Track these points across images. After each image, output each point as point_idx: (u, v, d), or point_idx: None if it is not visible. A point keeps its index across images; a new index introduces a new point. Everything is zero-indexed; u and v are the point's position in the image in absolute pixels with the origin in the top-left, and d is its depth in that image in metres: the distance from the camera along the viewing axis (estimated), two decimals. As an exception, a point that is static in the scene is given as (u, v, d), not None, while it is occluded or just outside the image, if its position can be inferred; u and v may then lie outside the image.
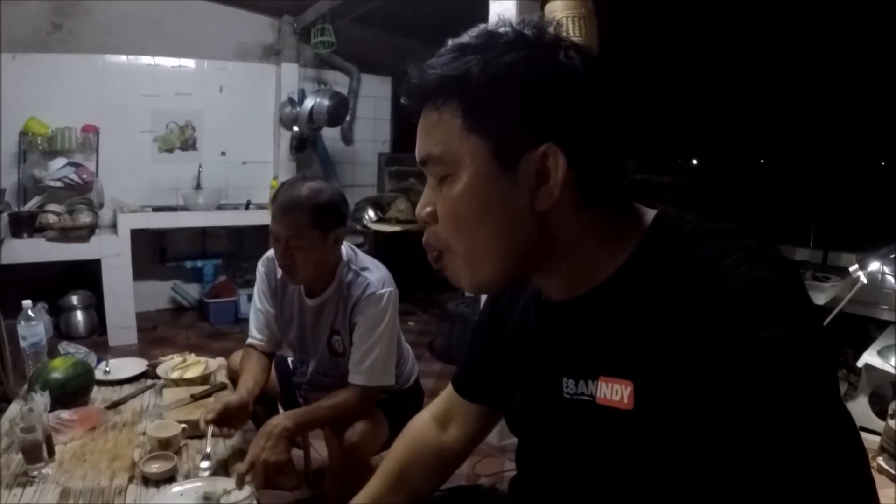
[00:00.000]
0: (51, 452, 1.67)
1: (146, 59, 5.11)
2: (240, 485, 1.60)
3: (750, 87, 5.49)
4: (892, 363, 3.17)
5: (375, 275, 2.05)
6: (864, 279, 3.38)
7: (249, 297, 5.14)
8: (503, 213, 0.81)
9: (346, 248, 2.10)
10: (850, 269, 3.45)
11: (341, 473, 1.97)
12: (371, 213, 5.52)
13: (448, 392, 1.25)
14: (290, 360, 2.45)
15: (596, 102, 0.79)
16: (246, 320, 4.96)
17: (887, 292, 4.34)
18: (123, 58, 5.00)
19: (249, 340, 2.22)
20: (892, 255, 3.68)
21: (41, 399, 1.74)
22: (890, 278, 4.35)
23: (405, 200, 5.48)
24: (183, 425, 1.81)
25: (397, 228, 5.19)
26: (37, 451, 1.60)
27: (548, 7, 2.76)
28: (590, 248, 0.84)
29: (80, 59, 4.77)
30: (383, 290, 2.01)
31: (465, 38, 0.83)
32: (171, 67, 5.23)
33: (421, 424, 1.28)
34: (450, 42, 0.84)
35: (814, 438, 0.66)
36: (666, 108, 5.95)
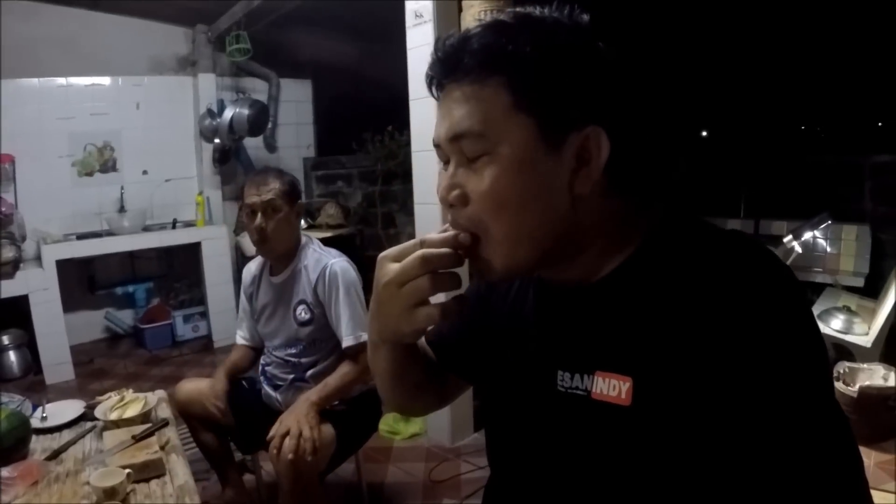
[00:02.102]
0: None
1: (59, 80, 5.13)
2: (277, 448, 2.11)
3: (674, 57, 5.65)
4: (833, 327, 3.36)
5: (333, 252, 2.51)
6: (798, 249, 3.63)
7: (185, 319, 5.36)
8: (546, 193, 0.83)
9: (306, 236, 2.56)
10: (785, 239, 3.68)
11: (288, 492, 2.22)
12: (300, 221, 5.61)
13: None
14: (243, 380, 2.73)
15: (636, 89, 0.85)
16: (183, 343, 5.18)
17: (819, 255, 4.69)
18: (35, 81, 5.01)
19: (236, 339, 2.75)
20: (823, 225, 3.98)
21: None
22: (821, 241, 4.72)
23: (334, 205, 5.62)
24: (127, 470, 1.80)
25: (329, 234, 5.30)
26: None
27: (465, 2, 2.93)
28: (605, 239, 0.87)
29: (-12, 85, 4.74)
30: (337, 259, 2.45)
31: (502, 17, 0.85)
32: (85, 87, 5.25)
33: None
34: (480, 21, 0.87)
35: (813, 435, 0.72)
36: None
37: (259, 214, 2.35)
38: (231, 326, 2.77)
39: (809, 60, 5.80)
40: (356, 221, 5.75)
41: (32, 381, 4.57)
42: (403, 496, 2.98)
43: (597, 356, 0.86)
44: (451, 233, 0.87)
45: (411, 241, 0.89)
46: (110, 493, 1.72)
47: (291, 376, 2.53)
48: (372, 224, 5.73)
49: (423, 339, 1.24)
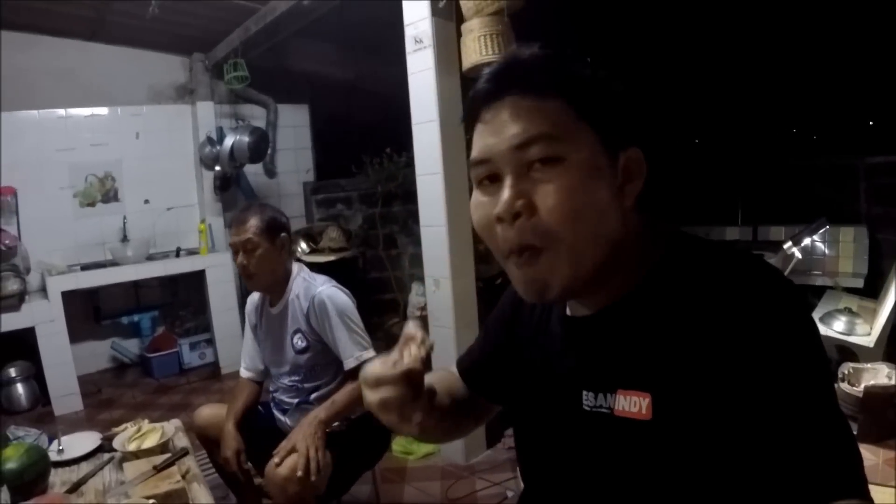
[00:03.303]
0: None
1: (58, 112, 5.17)
2: (279, 464, 2.18)
3: (671, 69, 5.71)
4: (835, 329, 3.41)
5: (319, 280, 2.54)
6: (798, 255, 3.67)
7: (191, 347, 5.38)
8: (608, 203, 0.88)
9: (297, 266, 2.61)
10: (784, 246, 3.73)
11: None
12: (304, 245, 5.60)
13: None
14: (258, 405, 2.78)
15: (656, 113, 0.99)
16: (190, 370, 5.19)
17: (818, 258, 4.73)
18: (34, 113, 5.05)
19: (241, 372, 2.79)
20: (822, 230, 4.02)
21: (1, 495, 1.79)
22: (819, 245, 4.75)
23: (336, 228, 5.62)
24: (152, 501, 1.81)
25: (332, 258, 5.34)
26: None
27: (464, 26, 2.98)
28: (634, 256, 0.93)
29: (-12, 118, 4.81)
30: (324, 287, 2.50)
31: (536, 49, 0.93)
32: (85, 118, 5.29)
33: (453, 373, 1.34)
34: (520, 48, 0.95)
35: (817, 433, 0.77)
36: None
37: (241, 253, 2.44)
38: (237, 352, 2.83)
39: (800, 63, 5.85)
40: (358, 244, 5.76)
41: (41, 413, 4.59)
42: (422, 515, 3.00)
43: (617, 375, 0.92)
44: (412, 366, 0.92)
45: (379, 371, 0.94)
46: (137, 524, 1.72)
47: (296, 400, 2.59)
48: (373, 246, 5.75)
49: (454, 367, 1.33)
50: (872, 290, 4.13)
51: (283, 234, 2.51)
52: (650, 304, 0.90)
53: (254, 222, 2.44)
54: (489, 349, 1.26)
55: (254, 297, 2.75)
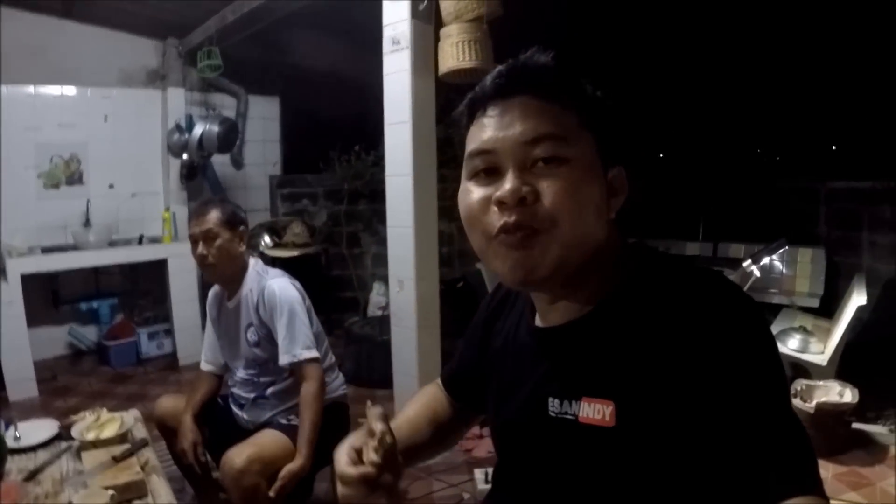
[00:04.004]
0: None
1: (27, 89, 5.07)
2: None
3: (639, 83, 5.79)
4: (790, 346, 3.47)
5: (272, 274, 2.61)
6: (757, 273, 3.75)
7: (150, 336, 5.34)
8: (600, 205, 0.94)
9: (253, 260, 2.66)
10: (744, 264, 3.78)
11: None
12: (267, 239, 5.64)
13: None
14: (218, 397, 2.79)
15: (632, 132, 1.03)
16: (148, 360, 5.15)
17: (776, 277, 4.83)
18: (3, 88, 4.90)
19: (201, 364, 2.82)
20: (781, 250, 4.11)
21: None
22: (777, 264, 4.86)
23: (300, 223, 5.64)
24: (111, 492, 1.80)
25: (295, 253, 5.37)
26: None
27: (443, 31, 3.01)
28: (606, 268, 0.98)
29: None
30: (276, 279, 2.55)
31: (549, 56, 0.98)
32: (54, 97, 5.20)
33: (436, 388, 1.41)
34: (533, 53, 0.98)
35: (771, 428, 0.82)
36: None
37: (200, 243, 2.48)
38: (196, 344, 2.81)
39: (767, 85, 5.96)
40: (321, 240, 5.77)
41: (-5, 398, 4.50)
42: (380, 513, 2.99)
43: (583, 383, 0.96)
44: (367, 471, 1.00)
45: (341, 469, 1.04)
46: (95, 514, 1.69)
47: (253, 395, 2.62)
48: (337, 243, 5.78)
49: (438, 381, 1.42)
50: (827, 311, 4.24)
51: (242, 227, 2.58)
52: (618, 317, 0.94)
53: (214, 214, 2.50)
54: (466, 359, 1.32)
55: (213, 292, 2.77)
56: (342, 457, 1.05)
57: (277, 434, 2.45)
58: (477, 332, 1.29)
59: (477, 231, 0.96)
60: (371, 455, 1.00)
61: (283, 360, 2.46)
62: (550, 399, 1.00)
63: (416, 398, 1.41)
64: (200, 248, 2.48)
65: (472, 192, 0.96)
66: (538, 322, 1.08)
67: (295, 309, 2.49)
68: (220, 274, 2.57)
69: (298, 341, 2.46)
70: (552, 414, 0.99)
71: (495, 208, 0.92)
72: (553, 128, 0.91)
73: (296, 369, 2.48)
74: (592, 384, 0.94)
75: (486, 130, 0.94)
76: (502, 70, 0.98)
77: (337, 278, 5.94)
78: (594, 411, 0.93)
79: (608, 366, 0.93)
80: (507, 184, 0.90)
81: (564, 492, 1.00)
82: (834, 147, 6.43)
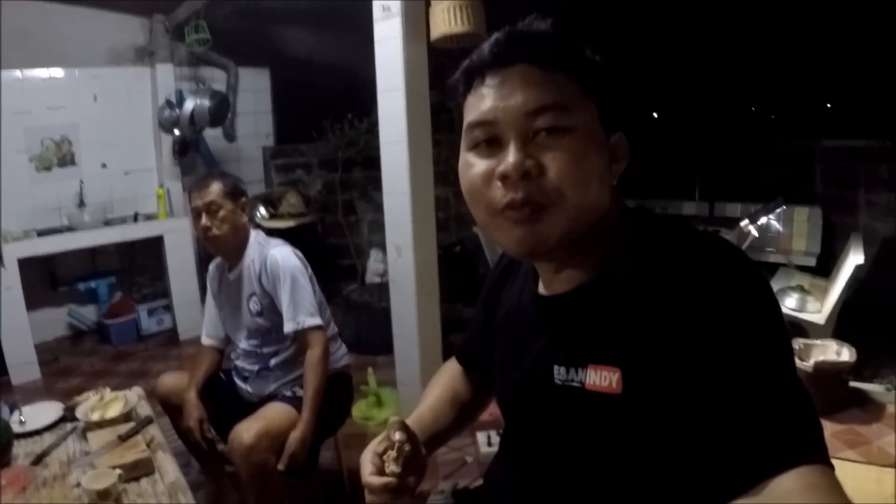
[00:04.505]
0: (-14, 524, 1.62)
1: (15, 73, 5.01)
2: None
3: (633, 43, 5.72)
4: (787, 305, 3.51)
5: (273, 243, 2.62)
6: (755, 233, 3.75)
7: (149, 313, 5.35)
8: (604, 174, 0.94)
9: (254, 232, 2.66)
10: (742, 223, 3.77)
11: (247, 481, 2.32)
12: (262, 211, 5.61)
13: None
14: (220, 372, 2.80)
15: (634, 97, 1.02)
16: (148, 337, 5.15)
17: (772, 236, 4.83)
18: None
19: (202, 339, 2.82)
20: (778, 210, 4.10)
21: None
22: (774, 223, 4.86)
23: (295, 193, 5.64)
24: (118, 471, 1.81)
25: (291, 223, 5.37)
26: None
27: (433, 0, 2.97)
28: (609, 233, 0.97)
29: (-61, 80, 4.60)
30: (277, 248, 2.57)
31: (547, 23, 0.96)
32: (42, 80, 5.15)
33: (454, 365, 1.45)
34: (531, 20, 0.97)
35: (775, 392, 0.83)
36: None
37: (203, 215, 2.48)
38: (196, 318, 2.82)
39: (762, 43, 5.91)
40: (317, 210, 5.76)
41: (-2, 383, 4.52)
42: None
43: (589, 350, 0.96)
44: (389, 481, 1.06)
45: (366, 478, 1.11)
46: (104, 494, 1.73)
47: (257, 367, 2.63)
48: (332, 212, 5.77)
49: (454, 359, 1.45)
50: (824, 270, 4.26)
51: (243, 198, 2.59)
52: (622, 284, 0.93)
53: (216, 186, 2.51)
54: (476, 330, 1.34)
55: (214, 264, 2.77)
56: (366, 466, 1.11)
57: (285, 407, 2.46)
58: (484, 303, 1.30)
59: (480, 205, 0.96)
60: (391, 466, 1.06)
61: (288, 327, 2.47)
62: (556, 367, 1.00)
63: (436, 381, 1.44)
64: (204, 221, 2.48)
65: (473, 166, 0.95)
66: (542, 290, 1.08)
67: (297, 277, 2.50)
68: (224, 245, 2.56)
69: (302, 309, 2.47)
70: (558, 382, 1.00)
71: (498, 182, 0.91)
72: (555, 97, 0.90)
73: (300, 337, 2.50)
74: (599, 351, 0.94)
75: (486, 100, 0.93)
76: (500, 38, 0.95)
77: (334, 247, 5.93)
78: (601, 378, 0.93)
79: (614, 333, 0.93)
80: (510, 157, 0.89)
81: (570, 459, 1.01)
82: (829, 105, 6.40)
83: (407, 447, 1.07)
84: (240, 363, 2.69)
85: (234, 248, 2.59)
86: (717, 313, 0.85)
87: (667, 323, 0.87)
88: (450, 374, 1.44)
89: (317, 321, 2.49)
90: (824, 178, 4.99)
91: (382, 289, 4.54)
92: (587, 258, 0.98)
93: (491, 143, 0.93)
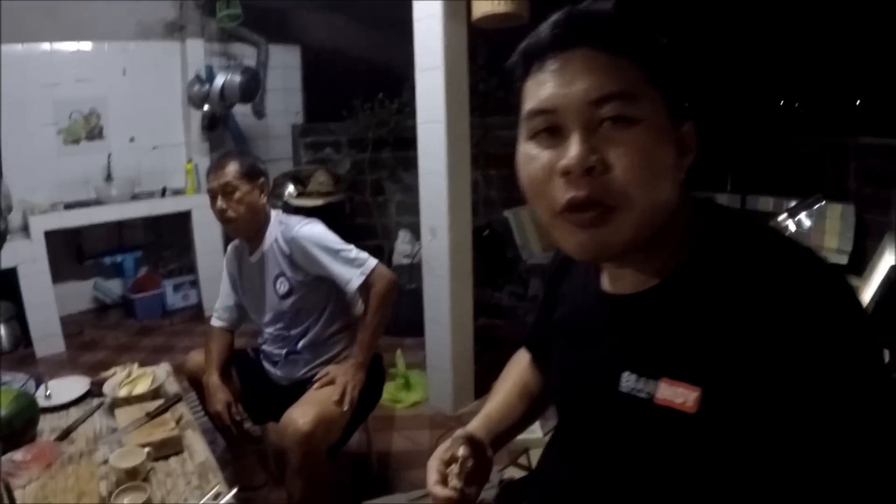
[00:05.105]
0: (12, 501, 1.56)
1: (43, 46, 4.99)
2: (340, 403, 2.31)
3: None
4: None
5: (294, 220, 2.53)
6: (792, 227, 3.66)
7: (175, 288, 5.34)
8: (671, 171, 0.87)
9: (275, 213, 2.58)
10: (779, 218, 3.70)
11: (297, 467, 2.23)
12: (291, 188, 5.56)
13: None
14: (249, 349, 2.79)
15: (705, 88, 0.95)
16: (173, 312, 5.15)
17: (803, 232, 4.72)
18: (18, 46, 4.85)
19: (212, 321, 2.74)
20: (817, 206, 4.01)
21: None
22: (806, 220, 4.77)
23: (324, 172, 5.54)
24: (147, 449, 1.78)
25: (319, 202, 5.27)
26: (-2, 504, 1.52)
27: None
28: (678, 232, 0.90)
29: (-31, 52, 4.62)
30: (299, 226, 2.47)
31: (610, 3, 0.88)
32: (70, 53, 5.12)
33: (524, 355, 1.43)
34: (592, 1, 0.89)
35: (867, 429, 0.76)
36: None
37: (220, 197, 2.41)
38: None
39: (798, 37, 5.80)
40: (345, 189, 5.71)
41: (22, 355, 4.54)
42: (411, 464, 3.01)
43: (664, 362, 0.88)
44: (451, 495, 1.10)
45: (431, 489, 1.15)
46: (132, 473, 1.70)
47: (284, 350, 2.58)
48: (361, 191, 5.72)
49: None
50: (856, 269, 4.18)
51: (261, 179, 2.51)
52: (697, 286, 0.87)
53: (233, 166, 2.43)
54: (543, 320, 1.27)
55: (233, 247, 2.72)
56: (432, 473, 1.16)
57: (333, 391, 2.39)
58: (550, 292, 1.25)
59: (542, 204, 0.89)
60: (454, 481, 1.10)
61: (354, 284, 2.40)
62: (626, 374, 0.93)
63: (506, 373, 1.42)
64: (220, 203, 2.42)
65: (534, 159, 0.88)
66: (606, 286, 1.02)
67: (328, 241, 2.44)
68: (242, 227, 2.49)
69: (354, 261, 2.42)
70: (623, 390, 0.93)
71: (560, 179, 0.84)
72: (621, 84, 0.82)
73: (369, 283, 2.43)
74: (676, 365, 0.87)
75: (546, 87, 0.86)
76: (559, 18, 0.88)
77: (361, 226, 5.87)
78: (675, 395, 0.85)
79: (693, 344, 0.85)
80: (573, 150, 0.82)
81: (627, 470, 0.95)
82: (860, 102, 6.27)
83: (470, 462, 1.13)
84: (267, 347, 2.65)
85: (252, 230, 2.52)
86: (811, 336, 0.77)
87: (753, 340, 0.79)
88: (519, 365, 1.41)
89: (373, 261, 2.44)
90: (858, 175, 4.88)
91: (410, 270, 4.48)
92: (656, 256, 0.91)
93: (552, 132, 0.86)
